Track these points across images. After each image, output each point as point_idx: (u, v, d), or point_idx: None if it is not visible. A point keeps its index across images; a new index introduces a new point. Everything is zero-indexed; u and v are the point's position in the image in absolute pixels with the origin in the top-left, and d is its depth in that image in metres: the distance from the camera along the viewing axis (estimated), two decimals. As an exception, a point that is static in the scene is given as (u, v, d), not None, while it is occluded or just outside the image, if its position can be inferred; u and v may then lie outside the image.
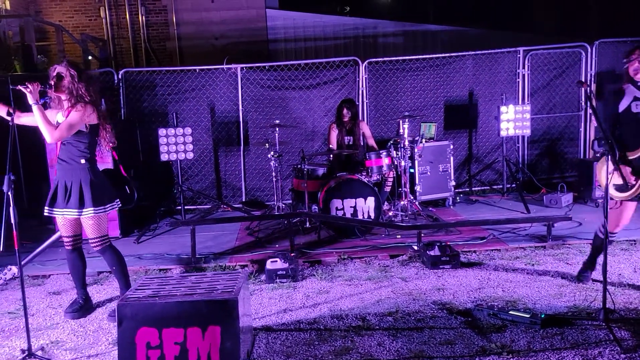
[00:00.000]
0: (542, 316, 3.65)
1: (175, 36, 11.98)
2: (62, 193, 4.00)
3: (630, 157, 3.89)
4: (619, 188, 3.97)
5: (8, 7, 10.72)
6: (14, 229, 3.32)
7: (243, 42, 11.95)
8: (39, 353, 3.54)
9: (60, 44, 10.36)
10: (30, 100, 3.75)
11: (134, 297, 3.21)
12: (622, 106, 3.99)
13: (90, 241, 4.17)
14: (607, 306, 3.58)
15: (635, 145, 3.90)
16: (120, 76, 7.90)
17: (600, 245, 4.18)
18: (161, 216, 7.37)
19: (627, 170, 3.88)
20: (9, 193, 3.28)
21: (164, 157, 7.17)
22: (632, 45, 4.17)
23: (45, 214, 4.09)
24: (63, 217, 4.06)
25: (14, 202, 3.30)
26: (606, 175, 3.65)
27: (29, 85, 3.70)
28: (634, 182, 3.87)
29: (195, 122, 8.04)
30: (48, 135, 3.83)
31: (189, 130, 7.22)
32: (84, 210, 4.00)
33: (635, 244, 5.33)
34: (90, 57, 11.45)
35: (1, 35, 9.97)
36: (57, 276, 5.30)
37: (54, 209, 4.04)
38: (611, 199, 3.98)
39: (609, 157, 3.63)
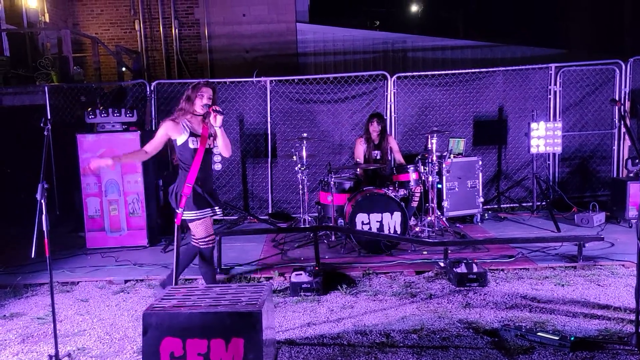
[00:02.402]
0: (572, 339, 3.55)
1: (206, 49, 12.20)
2: (213, 196, 4.42)
3: None
4: None
5: (47, 19, 11.09)
6: (45, 237, 3.40)
7: (273, 55, 12.09)
8: (66, 359, 3.60)
9: (95, 55, 10.65)
10: (219, 123, 4.24)
11: (159, 307, 3.24)
12: None
13: (213, 237, 4.52)
14: (639, 331, 3.47)
15: None
16: (152, 87, 8.06)
17: None
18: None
19: None
20: (42, 201, 3.36)
21: (192, 168, 7.26)
22: None
23: (203, 215, 4.33)
24: (210, 218, 4.42)
25: (47, 210, 3.38)
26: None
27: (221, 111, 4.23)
28: None
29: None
30: (228, 152, 4.41)
31: (217, 141, 7.31)
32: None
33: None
34: (124, 69, 11.73)
35: (40, 46, 10.31)
36: (85, 283, 5.39)
37: (209, 210, 4.36)
38: None
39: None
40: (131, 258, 6.17)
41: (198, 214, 4.30)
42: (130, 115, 6.73)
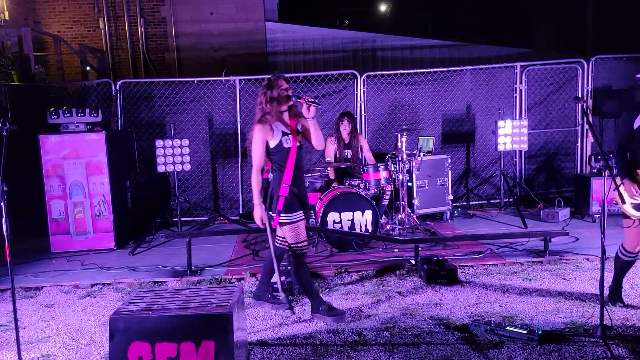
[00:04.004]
0: (540, 332, 3.61)
1: (174, 47, 12.01)
2: (306, 197, 4.24)
3: None
4: (637, 207, 3.91)
5: (7, 17, 10.74)
6: (5, 241, 3.28)
7: (242, 54, 11.99)
8: (30, 367, 3.49)
9: (58, 54, 10.37)
10: (312, 114, 4.04)
11: (126, 311, 3.16)
12: (637, 123, 3.94)
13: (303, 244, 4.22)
14: (604, 323, 3.55)
15: None
16: (118, 87, 7.89)
17: (620, 265, 4.15)
18: (157, 228, 7.34)
19: (633, 187, 3.86)
20: (1, 204, 3.25)
21: (160, 169, 7.15)
22: (627, 62, 4.17)
23: (298, 218, 4.10)
24: (303, 222, 4.15)
25: (6, 214, 3.27)
26: (604, 191, 3.64)
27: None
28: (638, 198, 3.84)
29: (193, 133, 8.03)
30: (321, 144, 4.20)
31: (186, 141, 7.22)
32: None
33: (633, 260, 5.30)
34: (88, 68, 11.47)
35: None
36: (50, 288, 5.23)
37: (302, 213, 4.13)
38: (628, 217, 3.95)
39: (606, 172, 3.62)
40: (98, 261, 6.04)
41: (291, 217, 4.06)
42: (95, 115, 6.57)
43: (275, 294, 4.53)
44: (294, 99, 4.06)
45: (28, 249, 6.60)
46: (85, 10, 11.93)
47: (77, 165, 6.47)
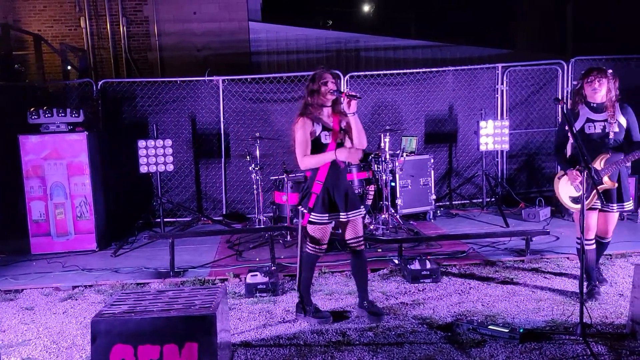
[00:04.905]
0: (521, 331, 3.66)
1: (156, 47, 11.92)
2: (347, 197, 4.07)
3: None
4: (574, 200, 4.35)
5: (-15, 15, 10.57)
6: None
7: (225, 54, 11.94)
8: (10, 371, 3.44)
9: (38, 53, 10.21)
10: (354, 108, 3.89)
11: (108, 313, 3.14)
12: (576, 127, 4.26)
13: (359, 239, 4.17)
14: (584, 321, 3.61)
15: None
16: (99, 87, 7.81)
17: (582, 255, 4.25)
18: (139, 229, 7.27)
19: (575, 172, 4.27)
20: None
21: (143, 169, 7.09)
22: (606, 63, 4.31)
23: (324, 221, 4.00)
24: (330, 225, 4.04)
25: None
26: (583, 191, 3.71)
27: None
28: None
29: (176, 133, 7.97)
30: (363, 142, 4.00)
31: (169, 142, 7.16)
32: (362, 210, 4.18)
33: (611, 258, 5.40)
34: (69, 67, 11.32)
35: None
36: (30, 290, 5.16)
37: (331, 216, 4.01)
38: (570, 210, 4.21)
39: (585, 172, 3.72)
40: (79, 263, 5.97)
41: (320, 218, 3.96)
42: (76, 115, 6.50)
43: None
44: (335, 92, 3.97)
45: (7, 251, 6.51)
46: (66, 9, 11.77)
47: (58, 166, 6.40)
